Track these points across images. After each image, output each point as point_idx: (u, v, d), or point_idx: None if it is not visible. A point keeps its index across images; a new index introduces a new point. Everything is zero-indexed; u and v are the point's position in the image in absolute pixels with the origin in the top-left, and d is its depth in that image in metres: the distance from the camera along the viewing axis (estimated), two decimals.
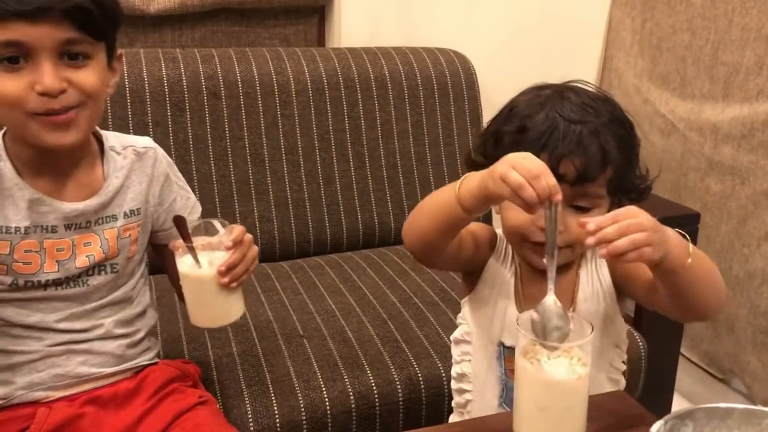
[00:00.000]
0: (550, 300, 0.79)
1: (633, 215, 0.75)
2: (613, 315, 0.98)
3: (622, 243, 0.73)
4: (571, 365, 0.73)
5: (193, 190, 1.60)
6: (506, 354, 0.96)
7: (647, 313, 1.43)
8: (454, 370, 1.03)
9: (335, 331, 1.35)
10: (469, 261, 0.98)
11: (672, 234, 0.78)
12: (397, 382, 1.25)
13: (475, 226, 0.97)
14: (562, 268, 0.93)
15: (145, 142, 1.10)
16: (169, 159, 1.13)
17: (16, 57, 0.87)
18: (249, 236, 0.99)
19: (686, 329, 1.81)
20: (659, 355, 1.43)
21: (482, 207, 0.84)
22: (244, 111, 1.66)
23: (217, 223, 0.99)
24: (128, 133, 1.54)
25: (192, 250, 0.95)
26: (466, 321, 1.02)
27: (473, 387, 1.00)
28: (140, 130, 1.56)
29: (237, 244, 0.95)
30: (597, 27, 2.18)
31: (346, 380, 1.23)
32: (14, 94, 0.87)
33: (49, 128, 0.90)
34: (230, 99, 1.65)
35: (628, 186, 0.93)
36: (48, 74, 0.87)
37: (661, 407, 1.51)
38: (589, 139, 0.87)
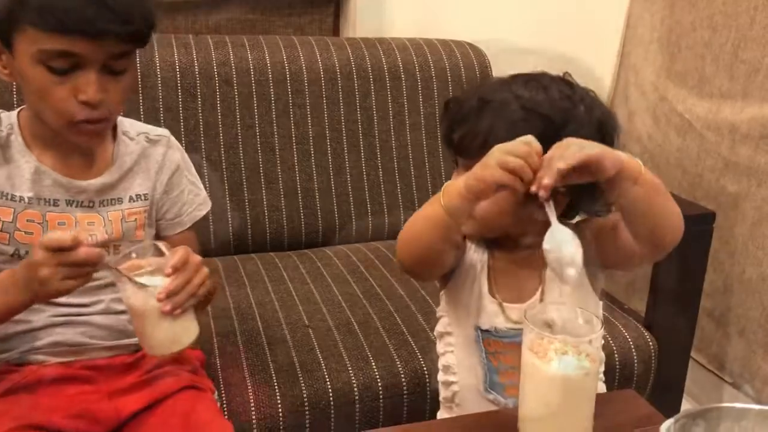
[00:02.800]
0: (558, 227, 0.78)
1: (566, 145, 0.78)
2: (586, 294, 0.95)
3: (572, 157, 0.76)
4: (579, 361, 0.72)
5: (203, 177, 1.59)
6: (484, 338, 0.94)
7: (659, 314, 1.41)
8: (440, 363, 1.02)
9: (341, 321, 1.34)
10: (455, 263, 0.97)
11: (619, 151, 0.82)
12: (402, 375, 1.23)
13: None
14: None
15: (160, 131, 1.11)
16: (184, 153, 1.13)
17: (67, 66, 0.90)
18: (195, 259, 0.93)
19: (696, 332, 1.79)
20: (669, 356, 1.41)
21: (469, 209, 0.83)
22: (255, 99, 1.64)
23: (162, 247, 0.92)
24: (139, 118, 1.55)
25: (130, 279, 0.88)
26: (446, 313, 1.01)
27: (458, 378, 0.99)
28: (151, 116, 1.56)
29: (176, 270, 0.89)
30: (615, 23, 2.15)
31: (351, 371, 1.22)
32: (57, 100, 0.91)
33: (83, 135, 0.95)
34: (242, 86, 1.63)
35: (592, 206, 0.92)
36: (93, 86, 0.91)
37: (670, 408, 1.49)
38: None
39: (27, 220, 0.97)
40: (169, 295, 0.87)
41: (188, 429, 0.99)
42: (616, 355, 1.33)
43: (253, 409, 1.15)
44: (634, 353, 1.35)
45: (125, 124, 1.07)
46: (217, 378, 1.18)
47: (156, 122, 1.55)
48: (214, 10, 1.86)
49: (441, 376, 1.02)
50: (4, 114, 1.01)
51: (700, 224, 1.39)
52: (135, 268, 0.88)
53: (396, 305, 1.40)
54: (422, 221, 0.87)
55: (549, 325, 0.76)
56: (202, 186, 1.15)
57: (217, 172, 1.62)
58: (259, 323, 1.33)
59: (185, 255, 0.90)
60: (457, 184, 0.81)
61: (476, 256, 0.97)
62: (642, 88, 2.10)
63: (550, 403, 0.74)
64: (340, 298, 1.42)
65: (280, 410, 1.16)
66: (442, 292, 1.01)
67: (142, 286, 0.87)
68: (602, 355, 0.95)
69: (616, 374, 1.33)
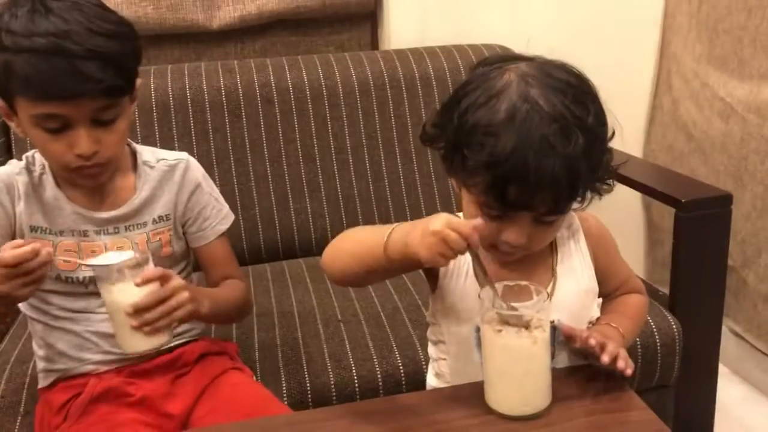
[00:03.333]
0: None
1: (615, 345, 0.88)
2: (591, 302, 0.99)
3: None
4: (528, 331, 0.79)
5: (251, 190, 1.76)
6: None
7: (682, 295, 1.43)
8: (433, 367, 1.03)
9: (370, 315, 1.44)
10: (413, 269, 0.93)
11: (626, 335, 0.96)
12: (423, 363, 1.32)
13: None
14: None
15: (178, 155, 1.20)
16: (204, 172, 1.22)
17: (59, 125, 1.00)
18: (176, 283, 0.97)
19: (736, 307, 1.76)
20: (698, 336, 1.42)
21: (407, 266, 0.84)
22: (295, 114, 1.77)
23: (151, 262, 0.99)
24: (191, 139, 1.72)
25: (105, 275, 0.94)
26: (437, 320, 1.01)
27: (452, 383, 0.99)
28: (201, 137, 1.72)
29: (146, 281, 0.94)
30: (653, 14, 2.15)
31: (375, 360, 1.32)
32: (56, 153, 1.02)
33: (83, 176, 1.06)
34: (282, 104, 1.77)
35: (595, 188, 0.90)
36: (83, 140, 1.00)
37: (705, 388, 1.49)
38: (562, 174, 0.80)
39: (65, 250, 1.10)
40: (137, 310, 0.94)
41: (236, 398, 1.10)
42: (637, 338, 1.36)
43: (285, 395, 1.26)
44: (657, 336, 1.38)
45: (145, 153, 1.17)
46: (254, 369, 1.30)
47: (206, 143, 1.72)
48: (259, 35, 2.01)
49: (433, 381, 1.03)
50: (38, 155, 1.13)
51: (717, 206, 1.39)
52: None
53: (424, 299, 1.48)
54: (361, 243, 0.88)
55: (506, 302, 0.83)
56: (224, 202, 1.24)
57: (264, 184, 1.76)
58: (297, 319, 1.45)
59: (162, 272, 0.97)
60: (398, 241, 0.82)
61: (462, 259, 0.94)
62: (684, 76, 2.09)
63: (503, 372, 0.81)
64: (372, 293, 1.52)
65: (309, 396, 1.27)
66: (431, 297, 1.01)
67: (124, 285, 0.93)
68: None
69: (639, 357, 1.36)
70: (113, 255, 1.00)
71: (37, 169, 1.12)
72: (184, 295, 0.99)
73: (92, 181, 1.08)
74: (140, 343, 0.98)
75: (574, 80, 0.85)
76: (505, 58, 0.89)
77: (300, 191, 1.77)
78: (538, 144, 0.80)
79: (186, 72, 1.76)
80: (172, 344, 1.16)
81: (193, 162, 1.21)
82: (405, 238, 0.81)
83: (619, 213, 1.97)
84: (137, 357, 1.10)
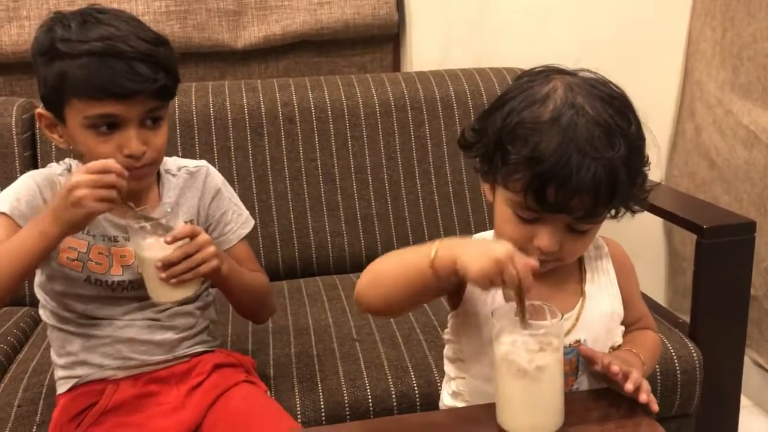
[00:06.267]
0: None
1: (639, 374, 0.87)
2: (616, 326, 0.98)
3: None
4: (540, 352, 0.78)
5: (270, 208, 1.77)
6: None
7: (704, 323, 1.40)
8: (449, 385, 1.02)
9: (386, 335, 1.43)
10: (441, 294, 0.95)
11: (645, 362, 0.96)
12: (438, 384, 1.30)
13: None
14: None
15: (198, 162, 1.25)
16: (223, 178, 1.27)
17: (110, 125, 1.06)
18: (202, 239, 1.03)
19: (759, 338, 1.73)
20: (719, 365, 1.40)
21: (454, 277, 0.81)
22: (316, 134, 1.79)
23: (181, 219, 1.06)
24: (213, 156, 1.74)
25: (140, 228, 1.01)
26: (457, 338, 0.99)
27: (471, 403, 0.98)
28: (223, 154, 1.74)
29: (175, 239, 1.01)
30: (676, 40, 2.15)
31: (390, 380, 1.31)
32: (105, 155, 1.05)
33: (131, 179, 1.07)
34: (304, 123, 1.78)
35: (629, 203, 0.90)
36: (134, 141, 1.06)
37: (727, 418, 1.46)
38: (602, 178, 0.81)
39: (98, 253, 1.14)
40: (166, 264, 1.00)
41: (247, 411, 1.11)
42: (657, 365, 1.34)
43: (299, 413, 1.25)
44: (677, 363, 1.35)
45: (167, 162, 1.22)
46: (269, 386, 1.29)
47: (228, 160, 1.74)
48: (283, 56, 2.03)
49: (449, 401, 1.01)
50: (74, 162, 1.18)
51: (741, 234, 1.38)
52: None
53: (440, 320, 1.47)
54: (402, 266, 0.86)
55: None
56: (244, 207, 1.28)
57: (284, 202, 1.77)
58: (312, 338, 1.45)
59: (190, 229, 1.03)
60: (450, 252, 0.81)
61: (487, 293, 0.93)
62: (707, 103, 2.08)
63: (513, 393, 0.80)
64: None
65: (323, 415, 1.26)
66: (450, 314, 1.00)
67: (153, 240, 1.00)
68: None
69: (658, 384, 1.34)
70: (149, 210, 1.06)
71: None
72: (210, 250, 1.05)
73: (138, 184, 1.11)
74: (169, 294, 1.05)
75: (617, 93, 0.87)
76: (548, 69, 0.90)
77: (319, 210, 1.78)
78: (582, 145, 0.80)
79: (210, 90, 1.78)
80: (188, 353, 1.19)
81: (212, 169, 1.25)
82: (455, 251, 0.81)
83: (641, 240, 1.96)
84: (154, 363, 1.15)
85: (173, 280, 1.01)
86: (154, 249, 1.02)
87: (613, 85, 0.88)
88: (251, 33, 1.96)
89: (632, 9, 2.10)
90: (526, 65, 1.92)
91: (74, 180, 0.96)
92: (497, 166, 0.86)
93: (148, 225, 1.02)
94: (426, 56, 2.03)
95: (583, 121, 0.81)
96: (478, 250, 0.80)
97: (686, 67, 2.17)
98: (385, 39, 2.08)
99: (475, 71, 1.92)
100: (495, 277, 0.77)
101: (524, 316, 0.81)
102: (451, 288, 0.94)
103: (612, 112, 0.83)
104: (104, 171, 0.96)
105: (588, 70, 0.89)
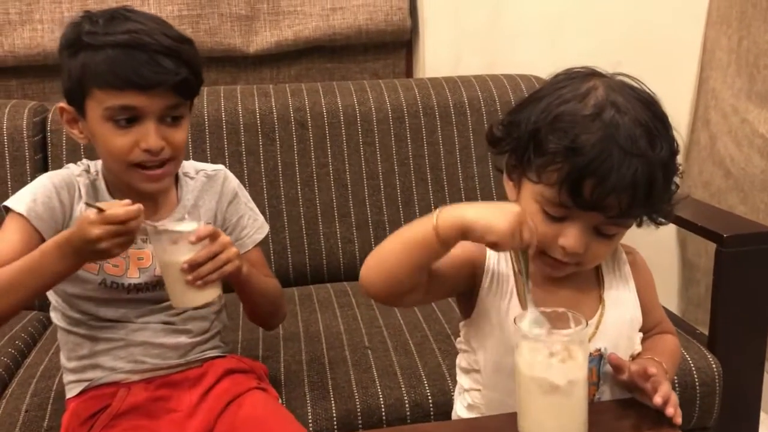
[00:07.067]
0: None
1: (668, 386, 0.86)
2: (635, 333, 0.96)
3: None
4: (563, 361, 0.76)
5: (281, 213, 1.75)
6: None
7: (723, 333, 1.38)
8: (463, 398, 0.99)
9: (399, 343, 1.41)
10: (451, 291, 0.94)
11: (668, 371, 0.95)
12: (452, 393, 1.28)
13: (455, 251, 0.85)
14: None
15: (215, 166, 1.24)
16: (239, 183, 1.26)
17: (130, 118, 1.05)
18: (225, 239, 1.03)
19: None
20: (739, 377, 1.37)
21: (456, 239, 0.80)
22: (328, 139, 1.77)
23: (199, 223, 1.05)
24: (224, 161, 1.72)
25: (159, 232, 1.00)
26: (471, 347, 0.97)
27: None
28: (235, 158, 1.72)
29: (200, 239, 1.00)
30: (691, 48, 2.13)
31: (403, 389, 1.29)
32: (122, 149, 1.06)
33: (146, 180, 1.09)
34: (316, 128, 1.77)
35: (658, 211, 0.88)
36: (153, 135, 1.06)
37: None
38: (642, 178, 0.80)
39: None
40: (193, 266, 0.99)
41: (258, 418, 1.09)
42: (675, 377, 1.31)
43: (310, 421, 1.23)
44: (695, 375, 1.33)
45: (185, 166, 1.21)
46: (280, 393, 1.27)
47: (239, 164, 1.72)
48: (295, 61, 2.02)
49: (464, 413, 0.99)
50: (92, 162, 1.17)
51: (761, 243, 1.35)
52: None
53: (453, 328, 1.45)
54: (402, 244, 0.84)
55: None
56: (259, 212, 1.27)
57: (295, 207, 1.75)
58: (324, 345, 1.42)
59: (212, 230, 1.02)
60: (456, 214, 0.79)
61: (502, 299, 0.91)
62: (723, 111, 2.06)
63: (531, 398, 0.78)
64: (401, 321, 1.50)
65: (335, 423, 1.24)
66: (462, 323, 0.98)
67: (171, 242, 1.00)
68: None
69: (677, 395, 1.31)
70: (170, 222, 1.06)
71: (93, 174, 1.15)
72: (233, 250, 1.05)
73: (154, 185, 1.10)
74: (194, 298, 1.03)
75: (654, 99, 0.86)
76: (586, 70, 0.89)
77: (330, 216, 1.76)
78: (624, 142, 0.79)
79: (222, 94, 1.77)
80: (201, 357, 1.17)
81: (230, 173, 1.25)
82: (460, 212, 0.79)
83: (655, 250, 1.92)
84: (167, 367, 1.14)
85: (199, 282, 1.00)
86: (178, 252, 1.01)
87: (650, 90, 0.87)
88: (263, 38, 1.95)
89: (646, 17, 2.08)
90: (540, 72, 1.93)
91: (96, 233, 0.93)
92: (530, 159, 0.84)
93: (169, 228, 1.02)
94: (439, 62, 2.01)
95: (625, 120, 0.80)
96: (491, 208, 0.79)
97: (701, 75, 2.15)
98: (398, 45, 2.07)
99: (488, 77, 1.90)
100: (518, 234, 0.77)
101: (527, 287, 0.80)
102: (462, 285, 0.92)
103: (651, 114, 0.83)
104: (125, 221, 0.94)
105: (625, 74, 0.88)
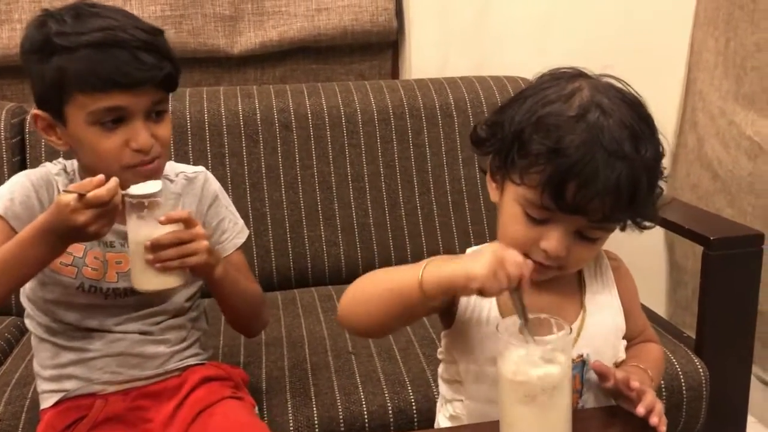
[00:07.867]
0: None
1: (653, 395, 0.84)
2: (618, 340, 0.94)
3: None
4: (548, 366, 0.74)
5: (265, 216, 1.73)
6: None
7: (710, 336, 1.36)
8: (447, 411, 0.97)
9: (383, 349, 1.39)
10: (431, 312, 0.90)
11: (653, 379, 0.94)
12: (436, 399, 1.26)
13: None
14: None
15: (196, 168, 1.21)
16: (220, 185, 1.23)
17: (116, 119, 1.02)
18: (199, 230, 1.00)
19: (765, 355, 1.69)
20: (726, 381, 1.36)
21: (443, 295, 0.81)
22: (313, 141, 1.75)
23: (180, 204, 1.03)
24: (207, 163, 1.70)
25: (137, 203, 0.97)
26: (452, 357, 0.94)
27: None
28: (217, 161, 1.70)
29: (170, 221, 0.97)
30: (679, 50, 2.12)
31: (386, 395, 1.26)
32: (112, 151, 1.02)
33: (140, 177, 1.04)
34: (300, 130, 1.75)
35: (642, 215, 0.86)
36: (142, 133, 1.02)
37: None
38: (626, 181, 0.78)
39: (94, 258, 1.09)
40: (155, 245, 0.95)
41: (227, 430, 1.06)
42: (662, 381, 1.30)
43: (291, 429, 1.21)
44: (682, 379, 1.31)
45: (165, 168, 1.17)
46: (260, 400, 1.25)
47: (222, 166, 1.70)
48: (279, 62, 2.00)
49: (446, 423, 0.97)
50: (68, 162, 1.14)
51: (748, 246, 1.34)
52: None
53: (438, 333, 1.42)
54: (387, 291, 0.83)
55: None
56: (239, 216, 1.24)
57: (279, 210, 1.72)
58: (307, 350, 1.40)
59: (186, 215, 0.99)
60: (438, 273, 0.78)
61: (484, 303, 0.90)
62: (710, 113, 2.05)
63: (514, 406, 0.76)
64: None
65: (316, 430, 1.22)
66: (444, 333, 0.95)
67: (138, 216, 0.96)
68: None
69: (663, 400, 1.29)
70: (146, 185, 1.00)
71: (70, 174, 1.12)
72: (203, 243, 1.00)
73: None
74: (151, 281, 0.99)
75: (639, 101, 0.85)
76: (572, 71, 0.87)
77: (315, 219, 1.74)
78: (609, 144, 0.78)
79: (204, 96, 1.74)
80: (180, 366, 1.14)
81: (210, 175, 1.22)
82: (446, 267, 0.78)
83: (642, 253, 1.91)
84: (145, 378, 1.11)
85: (158, 265, 0.96)
86: (146, 228, 0.97)
87: (636, 93, 0.85)
88: (247, 39, 1.93)
89: (633, 18, 2.07)
90: (527, 73, 1.90)
91: (82, 220, 0.91)
92: (513, 160, 0.82)
93: (145, 201, 0.97)
94: (425, 64, 1.99)
95: (610, 122, 0.79)
96: (471, 257, 0.78)
97: (688, 77, 2.15)
98: (383, 46, 2.05)
99: (474, 79, 1.89)
100: (500, 273, 0.75)
101: (526, 317, 0.77)
102: (439, 308, 0.91)
103: (636, 117, 0.81)
104: (108, 201, 0.91)
105: (611, 76, 0.86)
